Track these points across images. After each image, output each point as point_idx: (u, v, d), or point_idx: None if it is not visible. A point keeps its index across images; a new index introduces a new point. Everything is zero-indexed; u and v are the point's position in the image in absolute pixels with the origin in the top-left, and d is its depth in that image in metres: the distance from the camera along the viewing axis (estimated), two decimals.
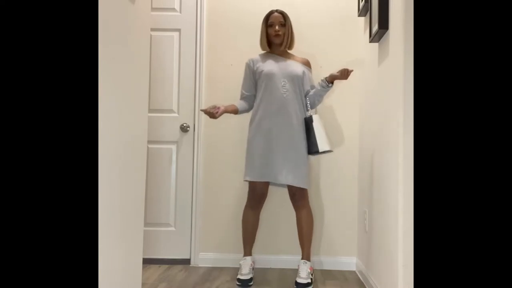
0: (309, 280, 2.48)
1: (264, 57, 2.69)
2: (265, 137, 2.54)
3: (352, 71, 2.49)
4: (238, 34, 3.02)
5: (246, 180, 2.61)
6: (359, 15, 2.81)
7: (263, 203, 2.69)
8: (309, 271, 2.54)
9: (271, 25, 2.63)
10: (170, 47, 3.05)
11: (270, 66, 2.61)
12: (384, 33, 2.14)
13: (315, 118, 2.56)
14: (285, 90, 2.55)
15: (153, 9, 2.99)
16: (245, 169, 2.61)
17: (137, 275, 1.92)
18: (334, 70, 2.96)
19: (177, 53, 3.05)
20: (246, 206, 2.67)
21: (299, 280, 2.47)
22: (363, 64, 2.82)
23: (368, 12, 2.39)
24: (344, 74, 2.48)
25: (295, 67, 2.62)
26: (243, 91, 2.69)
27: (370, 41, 2.33)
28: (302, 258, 2.60)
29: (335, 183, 2.96)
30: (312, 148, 2.54)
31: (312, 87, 2.65)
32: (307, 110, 2.62)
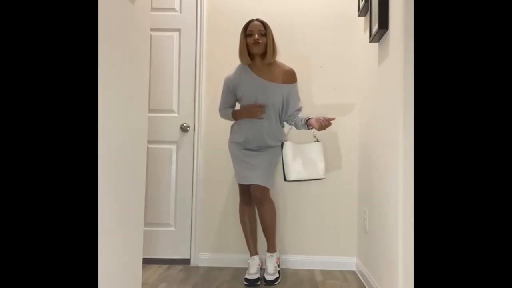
0: (277, 275, 2.52)
1: (243, 77, 2.57)
2: (240, 149, 2.61)
3: (334, 118, 2.42)
4: (238, 34, 3.02)
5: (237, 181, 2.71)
6: (359, 15, 2.81)
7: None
8: (276, 264, 2.58)
9: (250, 34, 2.49)
10: (170, 47, 3.05)
11: (250, 92, 2.54)
12: (384, 33, 2.14)
13: (286, 146, 2.47)
14: (262, 117, 2.52)
15: (153, 9, 2.98)
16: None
17: (137, 275, 1.92)
18: (334, 70, 2.97)
19: (177, 53, 3.05)
20: (240, 203, 2.71)
21: (268, 277, 2.50)
22: (354, 63, 2.82)
23: (368, 12, 2.39)
24: (323, 126, 2.40)
25: (275, 96, 2.53)
26: (227, 106, 2.67)
27: (370, 41, 2.33)
28: (267, 251, 2.62)
29: (335, 183, 2.96)
30: (284, 175, 2.51)
31: (299, 100, 2.60)
32: (291, 125, 2.58)
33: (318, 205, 2.95)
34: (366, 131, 2.70)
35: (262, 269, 2.68)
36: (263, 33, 2.50)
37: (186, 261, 2.97)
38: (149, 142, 2.75)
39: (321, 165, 2.47)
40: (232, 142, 2.65)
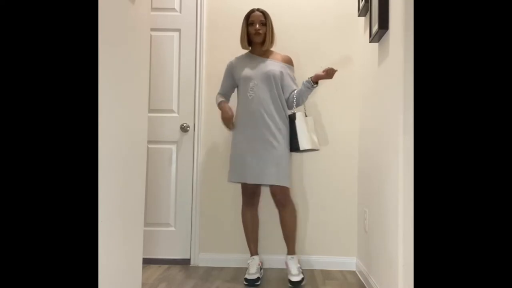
0: (302, 276, 2.50)
1: (244, 59, 2.70)
2: (244, 140, 2.57)
3: (336, 70, 2.49)
4: (238, 34, 3.02)
5: (230, 181, 2.67)
6: (359, 15, 2.81)
7: (258, 200, 2.73)
8: (298, 265, 2.57)
9: (252, 24, 2.64)
10: (170, 47, 3.05)
11: (247, 70, 2.63)
12: (384, 33, 2.14)
13: (298, 116, 2.54)
14: (251, 92, 2.56)
15: (153, 9, 2.99)
16: (228, 171, 2.66)
17: (137, 275, 1.92)
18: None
19: (177, 53, 3.05)
20: (242, 204, 2.71)
21: (293, 278, 2.48)
22: (352, 63, 2.82)
23: (368, 12, 2.39)
24: (329, 73, 2.49)
25: (273, 66, 2.61)
26: (221, 91, 2.76)
27: (370, 41, 2.33)
28: (288, 253, 2.61)
29: (335, 183, 2.96)
30: (293, 145, 2.54)
31: (297, 84, 2.66)
32: (291, 108, 2.61)
33: (318, 205, 2.95)
34: (366, 131, 2.70)
35: (262, 269, 2.69)
36: (263, 22, 2.64)
37: (186, 261, 2.97)
38: (149, 142, 2.75)
39: (316, 138, 2.60)
40: (233, 131, 2.65)
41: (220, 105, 2.68)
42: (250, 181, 2.54)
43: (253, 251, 2.68)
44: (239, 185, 2.91)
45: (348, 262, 2.92)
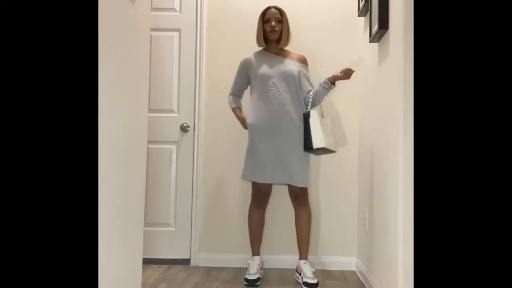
0: (317, 279, 2.49)
1: (259, 57, 2.67)
2: (264, 139, 2.53)
3: (354, 71, 2.48)
4: (238, 34, 3.02)
5: (246, 180, 2.62)
6: (359, 15, 2.81)
7: (268, 201, 2.71)
8: (313, 269, 2.56)
9: (268, 21, 2.62)
10: (170, 47, 3.05)
11: (265, 68, 2.60)
12: (384, 33, 2.14)
13: (313, 114, 2.50)
14: (272, 91, 2.54)
15: (153, 9, 2.98)
16: (244, 169, 2.61)
17: (137, 275, 1.92)
18: (334, 70, 2.98)
19: (177, 53, 3.05)
20: (251, 206, 2.68)
21: (310, 281, 2.46)
22: (363, 63, 2.82)
23: (368, 12, 2.39)
24: (347, 74, 2.47)
25: (291, 66, 2.60)
26: (234, 90, 2.74)
27: (370, 41, 2.33)
28: (302, 258, 2.60)
29: (335, 183, 2.96)
30: (307, 144, 2.50)
31: (311, 84, 2.65)
32: (306, 108, 2.58)
33: (318, 205, 2.95)
34: (366, 131, 2.70)
35: (262, 269, 2.68)
36: (279, 20, 2.62)
37: (186, 261, 2.97)
38: (149, 142, 2.75)
39: (333, 139, 2.55)
40: (251, 128, 2.59)
41: (234, 110, 2.69)
42: (270, 181, 2.53)
43: (255, 251, 2.68)
44: (240, 185, 2.92)
45: (348, 262, 2.92)
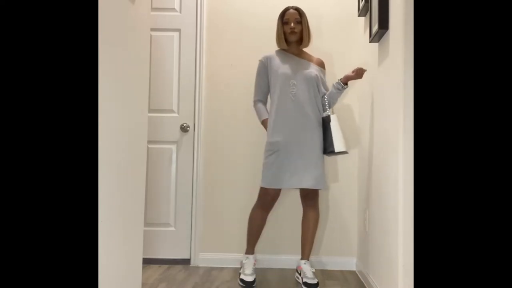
0: (317, 279, 2.49)
1: (279, 56, 2.64)
2: (283, 141, 2.50)
3: (366, 70, 2.49)
4: (238, 34, 3.02)
5: (265, 186, 2.54)
6: (359, 15, 2.81)
7: (274, 205, 2.64)
8: (313, 270, 2.56)
9: (287, 22, 2.59)
10: (170, 47, 3.05)
11: (286, 68, 2.57)
12: (384, 33, 2.14)
13: (333, 118, 2.51)
14: (293, 92, 2.53)
15: (153, 9, 2.99)
16: (265, 175, 2.53)
17: (137, 275, 1.92)
18: (334, 70, 2.98)
19: (177, 53, 3.05)
20: (256, 207, 2.62)
21: (310, 281, 2.46)
22: (354, 63, 2.82)
23: (368, 12, 2.39)
24: (359, 73, 2.48)
25: (311, 69, 2.59)
26: (260, 96, 2.65)
27: (370, 41, 2.33)
28: (303, 258, 2.59)
29: (335, 183, 2.96)
30: (328, 148, 2.51)
31: (327, 88, 2.64)
32: (324, 111, 2.58)
33: (318, 205, 2.95)
34: (366, 131, 2.70)
35: (257, 269, 2.67)
36: (298, 20, 2.59)
37: (186, 261, 2.97)
38: (149, 142, 2.75)
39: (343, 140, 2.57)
40: (275, 132, 2.54)
41: (263, 124, 2.62)
42: (289, 185, 2.52)
43: (251, 250, 2.66)
44: (240, 185, 2.92)
45: (348, 262, 2.92)
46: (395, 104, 1.91)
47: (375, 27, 2.19)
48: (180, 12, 3.06)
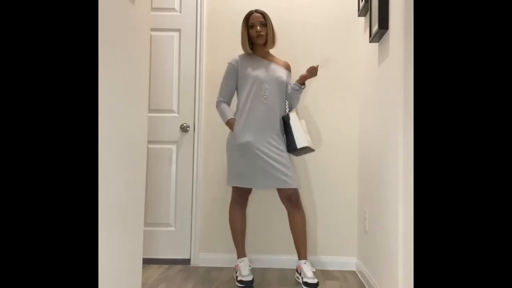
0: (317, 279, 2.49)
1: (248, 59, 2.65)
2: (253, 143, 2.51)
3: (318, 66, 2.53)
4: (238, 34, 3.02)
5: (230, 185, 2.60)
6: (359, 15, 2.81)
7: (248, 199, 2.69)
8: (313, 270, 2.56)
9: (252, 26, 2.61)
10: (170, 47, 3.05)
11: (257, 71, 2.59)
12: (384, 33, 2.14)
13: (292, 116, 2.54)
14: (265, 96, 2.56)
15: (153, 9, 2.99)
16: (232, 174, 2.57)
17: (137, 275, 1.92)
18: (334, 70, 2.99)
19: (177, 53, 3.05)
20: (233, 207, 2.64)
21: (310, 281, 2.45)
22: (354, 63, 2.82)
23: (368, 12, 2.39)
24: (313, 71, 2.53)
25: (280, 73, 2.62)
26: (225, 96, 2.66)
27: (370, 41, 2.33)
28: (302, 258, 2.59)
29: (335, 183, 2.96)
30: (290, 145, 2.52)
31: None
32: (285, 112, 2.62)
33: (318, 205, 2.95)
34: (366, 131, 2.70)
35: (253, 269, 2.66)
36: (263, 23, 2.62)
37: (186, 261, 2.97)
38: (149, 142, 2.75)
39: (310, 139, 2.59)
40: (241, 133, 2.54)
41: (229, 122, 2.60)
42: (265, 186, 2.54)
43: (242, 252, 2.65)
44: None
45: (348, 262, 2.92)
46: (395, 104, 1.91)
47: (375, 27, 2.19)
48: (180, 12, 3.06)
